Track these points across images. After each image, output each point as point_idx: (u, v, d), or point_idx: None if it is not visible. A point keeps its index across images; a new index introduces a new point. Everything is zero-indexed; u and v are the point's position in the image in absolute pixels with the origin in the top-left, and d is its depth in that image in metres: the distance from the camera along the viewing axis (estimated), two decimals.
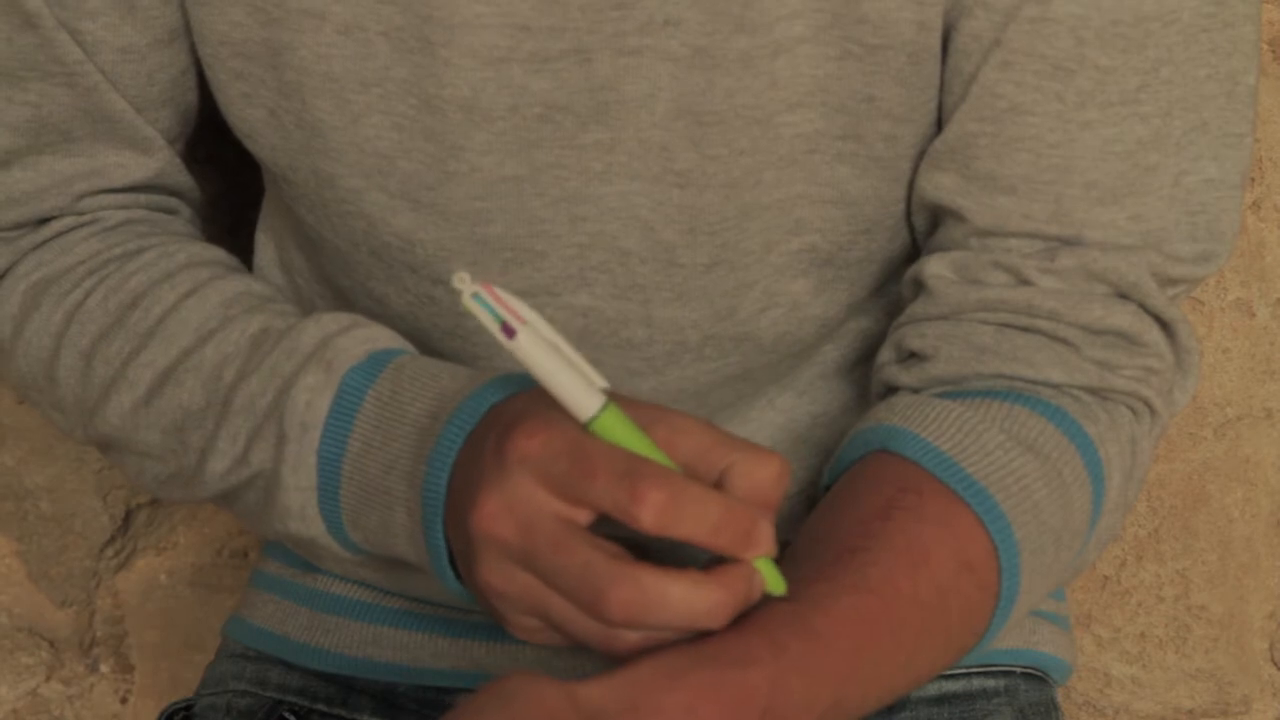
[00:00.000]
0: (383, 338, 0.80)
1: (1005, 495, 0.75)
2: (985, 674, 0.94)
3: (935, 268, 0.82)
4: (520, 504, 0.66)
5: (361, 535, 0.79)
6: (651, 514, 0.64)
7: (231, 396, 0.80)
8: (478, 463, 0.69)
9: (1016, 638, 0.94)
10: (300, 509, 0.79)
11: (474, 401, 0.73)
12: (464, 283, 0.65)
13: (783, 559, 0.69)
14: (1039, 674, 0.96)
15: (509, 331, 0.64)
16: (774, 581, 0.68)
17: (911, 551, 0.73)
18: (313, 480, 0.78)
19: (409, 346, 0.81)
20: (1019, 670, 0.95)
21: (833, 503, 0.78)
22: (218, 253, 0.88)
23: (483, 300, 0.65)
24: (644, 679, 0.64)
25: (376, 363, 0.78)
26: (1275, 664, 1.24)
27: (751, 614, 0.67)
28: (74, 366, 0.85)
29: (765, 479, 0.67)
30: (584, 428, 0.66)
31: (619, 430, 0.66)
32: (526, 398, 0.70)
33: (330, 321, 0.80)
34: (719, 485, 0.67)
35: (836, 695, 0.69)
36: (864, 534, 0.73)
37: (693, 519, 0.64)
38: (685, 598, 0.65)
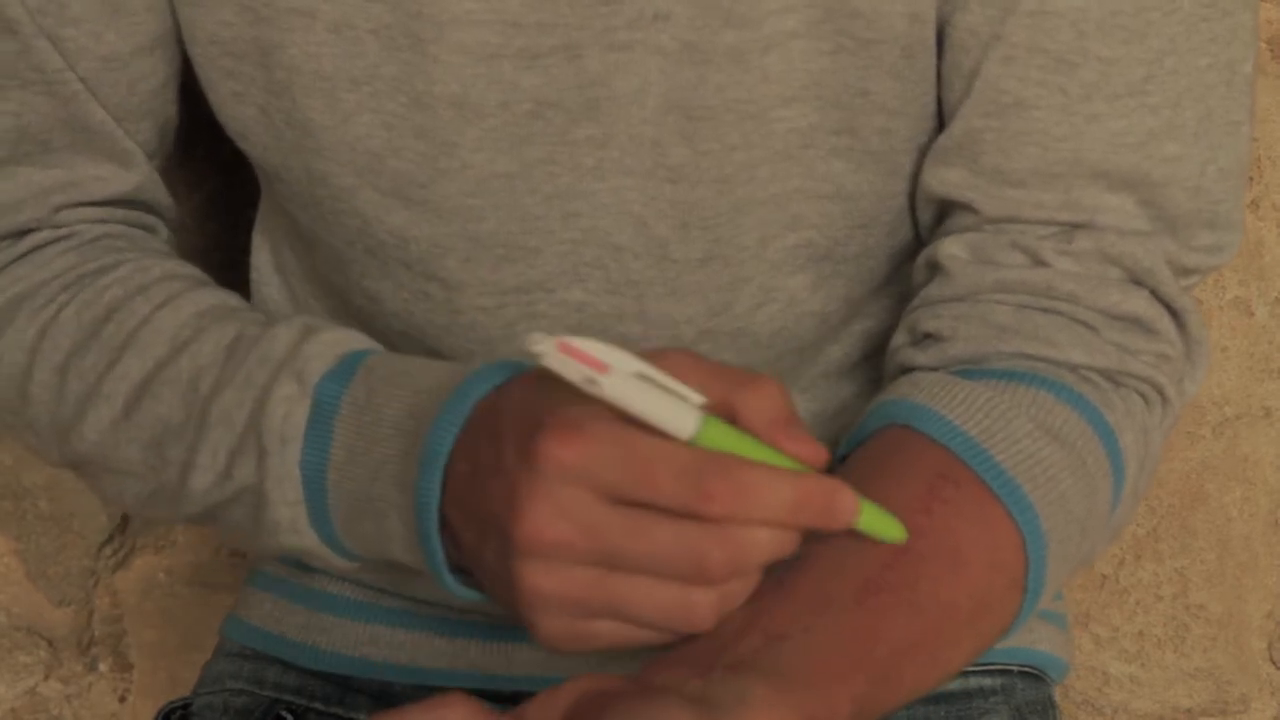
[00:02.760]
0: (351, 339, 0.79)
1: (1034, 486, 0.75)
2: (982, 672, 0.93)
3: (950, 249, 0.81)
4: (576, 510, 0.65)
5: (356, 543, 0.78)
6: (721, 508, 0.63)
7: (208, 409, 0.79)
8: (496, 468, 0.67)
9: (1014, 636, 0.94)
10: (291, 522, 0.78)
11: (458, 400, 0.71)
12: (539, 343, 0.62)
13: None
14: (1036, 672, 0.96)
15: (594, 382, 0.63)
16: (886, 528, 0.69)
17: (953, 557, 0.72)
18: (299, 494, 0.77)
19: (377, 346, 0.80)
20: (1016, 669, 0.95)
21: (861, 474, 0.76)
22: (193, 270, 0.87)
23: (563, 359, 0.63)
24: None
25: (348, 366, 0.77)
26: (1274, 663, 1.24)
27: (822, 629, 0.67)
28: (48, 383, 0.83)
29: (771, 405, 0.66)
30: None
31: (719, 439, 0.64)
32: (524, 391, 0.68)
33: (300, 326, 0.79)
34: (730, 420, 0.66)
35: (861, 704, 0.68)
36: (909, 527, 0.72)
37: (766, 505, 0.64)
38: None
